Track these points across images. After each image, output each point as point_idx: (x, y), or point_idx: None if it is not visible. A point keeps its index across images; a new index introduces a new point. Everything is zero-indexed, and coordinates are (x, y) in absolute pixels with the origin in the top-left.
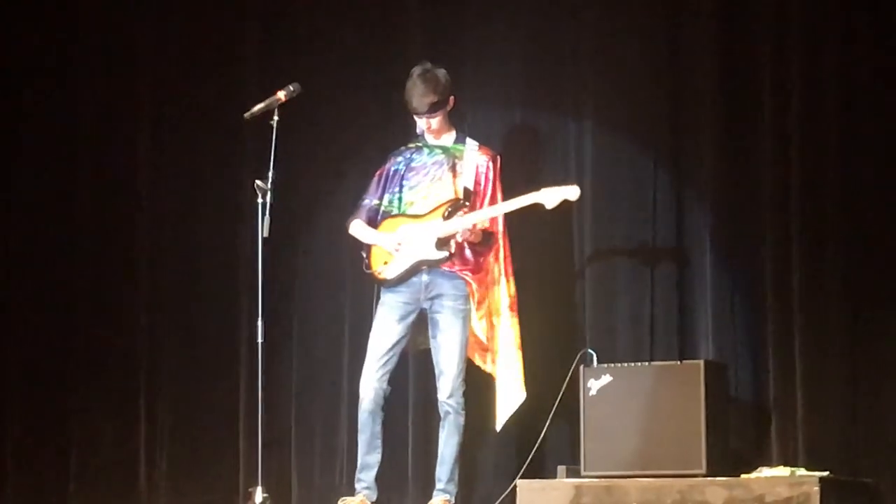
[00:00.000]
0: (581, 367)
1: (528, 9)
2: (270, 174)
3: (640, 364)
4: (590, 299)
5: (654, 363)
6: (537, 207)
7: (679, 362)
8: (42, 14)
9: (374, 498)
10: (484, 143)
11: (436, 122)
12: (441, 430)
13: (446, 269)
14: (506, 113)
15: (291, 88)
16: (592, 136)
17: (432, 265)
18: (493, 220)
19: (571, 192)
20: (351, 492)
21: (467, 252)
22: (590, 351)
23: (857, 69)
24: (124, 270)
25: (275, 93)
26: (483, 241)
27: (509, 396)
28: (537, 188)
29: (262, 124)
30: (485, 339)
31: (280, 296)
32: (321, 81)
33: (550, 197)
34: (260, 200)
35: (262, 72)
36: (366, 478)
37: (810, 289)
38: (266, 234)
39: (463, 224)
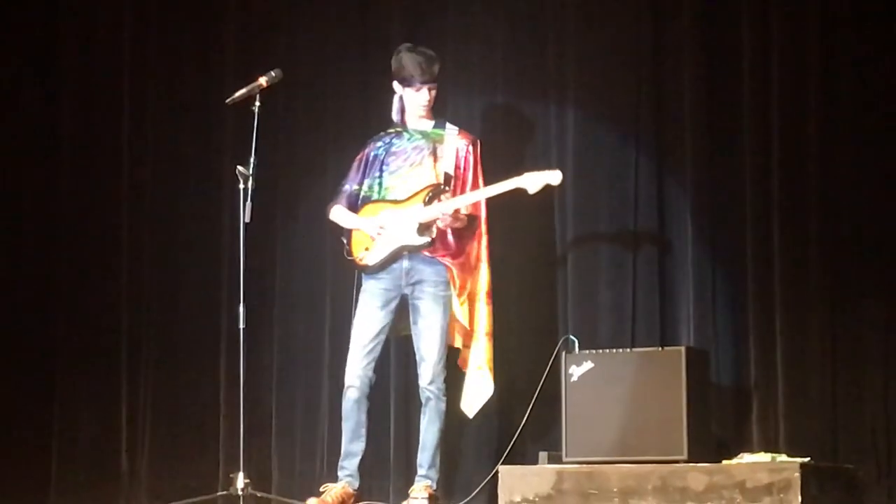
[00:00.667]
0: (563, 354)
1: None
2: (252, 160)
3: (621, 350)
4: (572, 286)
5: (635, 349)
6: (520, 192)
7: (660, 349)
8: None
9: (356, 486)
10: (466, 130)
11: (434, 94)
12: (422, 416)
13: (427, 254)
14: (488, 100)
15: (273, 74)
16: (574, 123)
17: (413, 251)
18: (477, 205)
19: (554, 177)
20: (332, 478)
21: (449, 237)
22: (571, 337)
23: (838, 56)
24: (105, 257)
25: (256, 79)
26: (468, 225)
27: (479, 389)
28: (519, 174)
29: (242, 110)
30: (467, 323)
31: (261, 282)
32: (301, 68)
33: (533, 182)
34: (241, 186)
35: (243, 58)
36: (349, 466)
37: (791, 276)
38: (247, 219)
39: (444, 209)
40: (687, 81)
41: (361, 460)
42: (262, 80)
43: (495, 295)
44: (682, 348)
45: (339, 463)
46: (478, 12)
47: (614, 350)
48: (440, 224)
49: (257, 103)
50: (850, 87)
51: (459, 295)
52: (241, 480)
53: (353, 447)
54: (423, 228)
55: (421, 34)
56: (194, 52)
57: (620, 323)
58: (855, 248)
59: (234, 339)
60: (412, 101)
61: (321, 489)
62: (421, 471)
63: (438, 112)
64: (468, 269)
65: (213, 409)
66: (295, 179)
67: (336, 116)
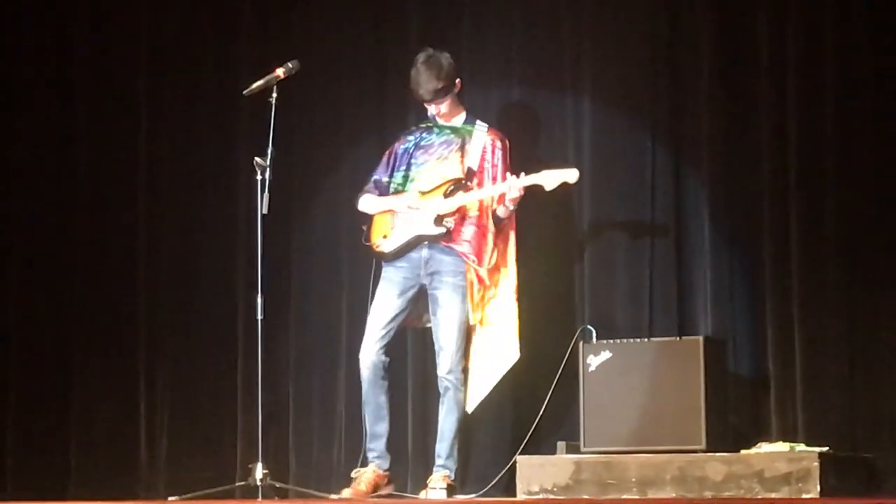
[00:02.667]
0: (580, 344)
1: None
2: (269, 151)
3: (639, 340)
4: (589, 276)
5: (653, 339)
6: (536, 189)
7: (678, 338)
8: None
9: (385, 466)
10: (493, 127)
11: (444, 106)
12: (440, 406)
13: (446, 245)
14: (504, 92)
15: (290, 65)
16: (591, 113)
17: (429, 241)
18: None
19: (571, 175)
20: (350, 468)
21: (468, 233)
22: (589, 327)
23: (855, 46)
24: (123, 247)
25: (273, 70)
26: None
27: (503, 353)
28: (535, 166)
29: (259, 102)
30: (474, 317)
31: (278, 272)
32: (318, 59)
33: (550, 179)
34: (259, 177)
35: (259, 50)
36: (376, 447)
37: (809, 264)
38: (265, 210)
39: (462, 201)
40: (704, 70)
41: (388, 440)
42: (280, 72)
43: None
44: (700, 338)
45: (366, 446)
46: (494, 4)
47: (632, 340)
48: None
49: (274, 94)
50: (868, 74)
51: (476, 293)
52: (259, 471)
53: (377, 429)
54: (440, 220)
55: (437, 27)
56: (211, 42)
57: (638, 313)
58: (873, 238)
59: (252, 329)
60: (429, 108)
61: (352, 475)
62: (439, 461)
63: (469, 109)
64: (493, 268)
65: (230, 399)
66: (312, 170)
67: (353, 108)
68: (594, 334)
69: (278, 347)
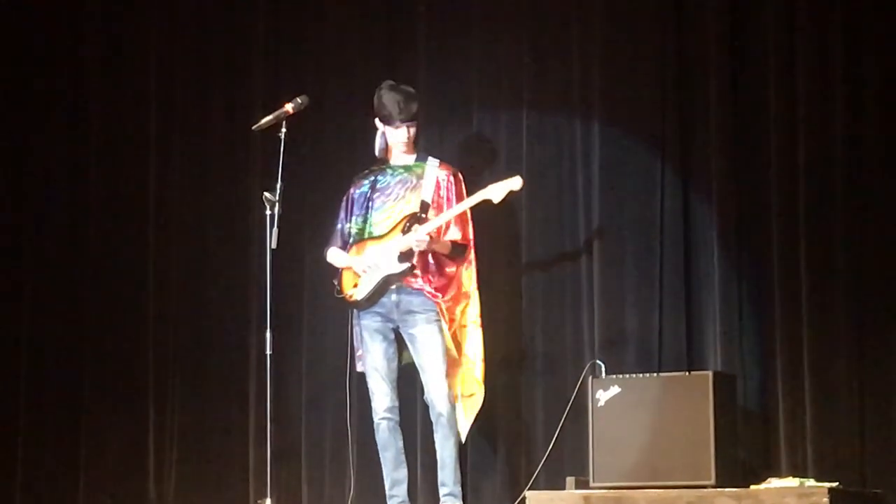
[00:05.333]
0: (590, 379)
1: (533, 9)
2: (278, 186)
3: (648, 375)
4: (598, 310)
5: (662, 374)
6: (487, 204)
7: (687, 373)
8: (50, 28)
9: None
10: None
11: (414, 131)
12: (435, 434)
13: (414, 288)
14: (514, 115)
15: (300, 101)
16: (600, 140)
17: (397, 279)
18: (465, 233)
19: (515, 183)
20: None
21: (433, 265)
22: (598, 362)
23: (864, 65)
24: (134, 282)
25: (283, 105)
26: (452, 253)
27: (469, 409)
28: (547, 186)
29: (269, 137)
30: (455, 352)
31: (289, 307)
32: (330, 94)
33: (496, 191)
34: (268, 212)
35: (270, 85)
36: (399, 493)
37: (819, 299)
38: (274, 245)
39: (420, 234)
40: (713, 97)
41: (408, 485)
42: (289, 107)
43: (522, 318)
44: (710, 373)
45: (388, 493)
46: (503, 31)
47: (641, 375)
48: (416, 248)
49: (283, 130)
50: (879, 99)
51: (450, 328)
52: None
53: (398, 474)
54: (404, 256)
55: (446, 56)
56: (222, 76)
57: (647, 347)
58: (883, 271)
59: (263, 364)
60: (392, 138)
61: None
62: (445, 489)
63: (418, 147)
64: (457, 299)
65: (241, 435)
66: (323, 206)
67: (364, 143)
68: (603, 369)
69: (290, 382)
